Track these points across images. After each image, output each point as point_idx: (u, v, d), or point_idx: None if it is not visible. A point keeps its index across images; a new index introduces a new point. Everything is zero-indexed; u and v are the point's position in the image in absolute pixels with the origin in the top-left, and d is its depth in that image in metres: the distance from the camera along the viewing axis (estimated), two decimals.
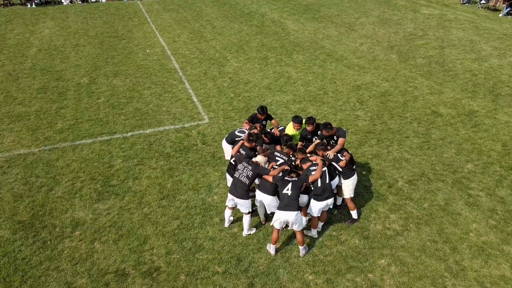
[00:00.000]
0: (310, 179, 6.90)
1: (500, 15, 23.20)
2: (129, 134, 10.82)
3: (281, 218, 6.72)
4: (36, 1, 24.76)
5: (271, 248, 7.06)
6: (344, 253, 7.15)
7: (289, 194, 6.67)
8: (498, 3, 24.44)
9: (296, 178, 6.80)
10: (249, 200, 7.21)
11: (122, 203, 8.30)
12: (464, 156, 9.94)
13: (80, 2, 25.64)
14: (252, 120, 8.70)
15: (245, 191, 7.07)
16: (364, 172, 9.32)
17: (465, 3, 26.26)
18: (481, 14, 23.71)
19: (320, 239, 7.46)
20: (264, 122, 8.72)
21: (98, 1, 26.00)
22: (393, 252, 7.19)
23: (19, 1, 25.28)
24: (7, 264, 6.85)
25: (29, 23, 20.79)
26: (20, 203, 8.24)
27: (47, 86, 13.52)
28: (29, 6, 24.46)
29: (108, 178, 9.05)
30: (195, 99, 12.87)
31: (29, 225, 7.68)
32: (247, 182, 7.03)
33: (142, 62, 15.79)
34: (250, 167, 7.06)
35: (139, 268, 6.83)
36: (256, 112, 8.71)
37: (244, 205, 7.18)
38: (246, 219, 7.32)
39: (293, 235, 7.48)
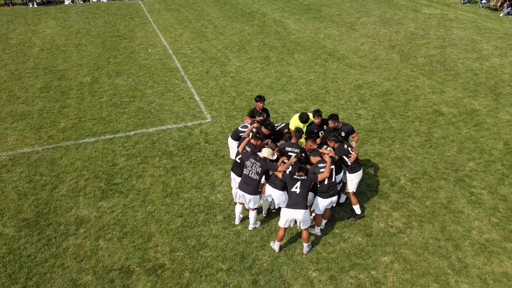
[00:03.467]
0: (319, 178, 6.92)
1: (501, 14, 23.23)
2: (132, 133, 10.86)
3: (289, 216, 6.75)
4: (37, 0, 24.80)
5: (275, 245, 7.11)
6: (347, 251, 7.19)
7: (297, 192, 6.70)
8: (499, 3, 24.47)
9: (305, 177, 6.81)
10: (259, 195, 7.28)
11: (126, 201, 8.34)
12: (466, 155, 9.99)
13: (82, 2, 25.67)
14: (253, 114, 8.72)
15: (256, 187, 7.13)
16: (366, 171, 9.36)
17: (466, 2, 26.29)
18: (482, 13, 23.75)
19: (323, 236, 7.50)
20: (264, 115, 8.71)
21: (100, 1, 26.05)
22: (396, 249, 7.23)
23: (21, 1, 25.31)
24: (12, 261, 6.90)
25: (31, 23, 20.83)
26: (25, 201, 8.28)
27: (50, 85, 13.57)
28: (30, 5, 24.49)
29: (111, 176, 9.09)
30: (197, 98, 12.91)
31: (33, 223, 7.72)
32: (257, 178, 7.06)
33: (144, 62, 15.83)
34: (258, 164, 7.08)
35: (144, 265, 6.87)
36: (255, 104, 8.73)
37: (254, 200, 7.24)
38: (253, 214, 7.41)
39: (296, 232, 7.53)
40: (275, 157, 7.34)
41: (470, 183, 8.96)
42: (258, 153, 7.34)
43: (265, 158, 7.19)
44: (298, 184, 6.71)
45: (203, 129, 11.07)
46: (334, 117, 7.99)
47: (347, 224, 7.80)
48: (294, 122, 8.39)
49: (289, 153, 7.49)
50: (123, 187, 8.75)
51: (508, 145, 10.44)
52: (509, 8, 23.20)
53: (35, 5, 24.54)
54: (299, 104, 12.52)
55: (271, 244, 7.22)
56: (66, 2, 25.34)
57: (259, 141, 7.59)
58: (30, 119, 11.44)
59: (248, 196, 7.17)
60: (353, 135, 8.17)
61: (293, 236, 7.50)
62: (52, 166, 9.39)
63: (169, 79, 14.31)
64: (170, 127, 11.18)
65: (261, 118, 8.62)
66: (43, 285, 6.48)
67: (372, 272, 6.77)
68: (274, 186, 7.13)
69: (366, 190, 8.73)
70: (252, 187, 7.09)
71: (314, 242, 7.38)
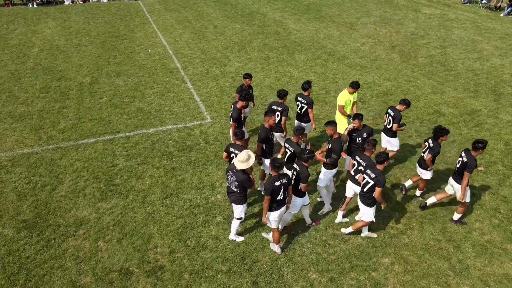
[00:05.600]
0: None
1: (502, 14, 23.20)
2: (132, 133, 10.83)
3: (276, 217, 6.73)
4: (37, 1, 24.79)
5: (276, 248, 7.08)
6: (347, 252, 7.17)
7: (282, 198, 6.61)
8: (500, 3, 24.42)
9: (285, 180, 6.52)
10: (243, 205, 7.01)
11: (126, 202, 8.31)
12: None
13: (82, 2, 25.65)
14: (241, 89, 9.59)
15: (238, 197, 6.88)
16: None
17: (466, 2, 26.25)
18: (483, 14, 23.71)
19: (324, 238, 7.47)
20: (250, 90, 9.70)
21: (100, 1, 26.02)
22: (396, 251, 7.20)
23: (21, 1, 25.29)
24: (11, 262, 6.87)
25: (30, 23, 20.81)
26: (24, 202, 8.26)
27: (50, 86, 13.55)
28: (30, 6, 24.48)
29: (111, 177, 9.07)
30: (197, 98, 12.88)
31: (33, 224, 7.69)
32: (237, 190, 6.81)
33: (144, 62, 15.80)
34: (234, 177, 6.74)
35: (143, 266, 6.84)
36: (243, 81, 9.70)
37: (237, 209, 7.04)
38: (235, 224, 7.21)
39: (295, 234, 7.52)
40: (251, 160, 6.70)
41: (471, 184, 8.92)
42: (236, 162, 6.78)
43: (242, 171, 6.69)
44: (281, 191, 6.52)
45: (203, 130, 11.04)
46: (359, 116, 7.89)
47: (348, 225, 7.76)
48: (344, 95, 9.19)
49: (287, 150, 7.61)
50: (123, 188, 8.72)
51: (509, 145, 10.41)
52: (509, 8, 23.16)
53: (35, 6, 24.52)
54: None
55: (272, 247, 7.18)
56: (66, 3, 25.32)
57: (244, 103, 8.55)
58: (30, 119, 11.42)
59: (233, 205, 7.05)
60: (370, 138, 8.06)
61: (293, 237, 7.47)
62: (51, 167, 9.37)
63: (169, 79, 14.28)
64: (170, 127, 11.15)
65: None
66: (42, 287, 6.45)
67: (372, 274, 6.74)
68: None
69: None
70: (235, 197, 6.90)
71: (315, 243, 7.35)
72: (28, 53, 16.50)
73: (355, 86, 9.10)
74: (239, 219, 7.16)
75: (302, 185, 6.86)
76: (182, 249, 7.19)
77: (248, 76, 9.60)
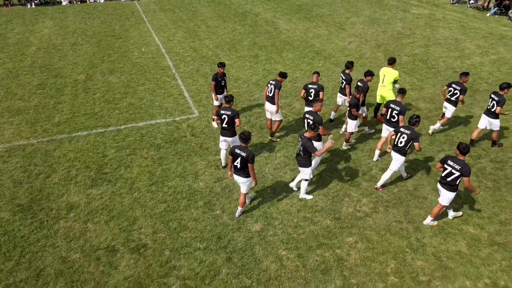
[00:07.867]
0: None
1: (488, 14, 23.81)
2: (123, 127, 11.47)
3: (235, 180, 8.01)
4: (35, 1, 25.43)
5: (237, 211, 8.22)
6: (316, 232, 7.80)
7: (238, 166, 7.70)
8: (487, 3, 25.01)
9: (244, 154, 7.51)
10: (309, 168, 8.28)
11: (114, 189, 8.95)
12: (436, 147, 10.58)
13: (79, 3, 26.30)
14: (216, 77, 10.86)
15: (303, 160, 8.18)
16: (341, 161, 9.96)
17: (455, 3, 26.85)
18: (470, 14, 24.32)
19: (295, 220, 8.11)
20: (225, 77, 11.06)
21: (96, 1, 26.66)
22: (361, 231, 7.84)
23: (19, 2, 25.93)
24: (7, 241, 7.51)
25: (28, 23, 21.45)
26: (20, 189, 8.90)
27: (46, 83, 14.19)
28: (28, 6, 25.13)
29: (101, 166, 9.70)
30: (186, 94, 13.52)
31: (27, 208, 8.34)
32: (302, 154, 8.12)
33: (137, 60, 16.44)
34: (301, 142, 8.07)
35: (128, 245, 7.48)
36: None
37: (304, 172, 8.35)
38: (304, 185, 8.56)
39: (270, 216, 8.15)
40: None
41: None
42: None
43: (308, 138, 7.99)
44: (238, 160, 7.62)
45: (190, 124, 11.67)
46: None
47: (318, 209, 8.40)
48: (394, 73, 11.33)
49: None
50: (112, 176, 9.36)
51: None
52: (495, 8, 23.78)
53: (33, 6, 25.16)
54: (283, 100, 13.11)
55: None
56: (64, 3, 25.96)
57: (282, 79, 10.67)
58: (26, 114, 12.06)
59: (300, 168, 8.37)
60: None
61: (267, 219, 8.10)
62: (46, 157, 10.00)
63: (161, 76, 14.91)
64: (159, 121, 11.79)
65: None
66: (35, 262, 7.09)
67: (336, 251, 7.38)
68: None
69: (339, 178, 9.33)
70: (301, 160, 8.22)
71: (287, 224, 7.99)
72: (25, 52, 17.14)
73: (390, 61, 11.42)
74: (307, 180, 8.46)
75: (415, 144, 8.23)
76: (164, 230, 7.83)
77: (221, 65, 10.85)
